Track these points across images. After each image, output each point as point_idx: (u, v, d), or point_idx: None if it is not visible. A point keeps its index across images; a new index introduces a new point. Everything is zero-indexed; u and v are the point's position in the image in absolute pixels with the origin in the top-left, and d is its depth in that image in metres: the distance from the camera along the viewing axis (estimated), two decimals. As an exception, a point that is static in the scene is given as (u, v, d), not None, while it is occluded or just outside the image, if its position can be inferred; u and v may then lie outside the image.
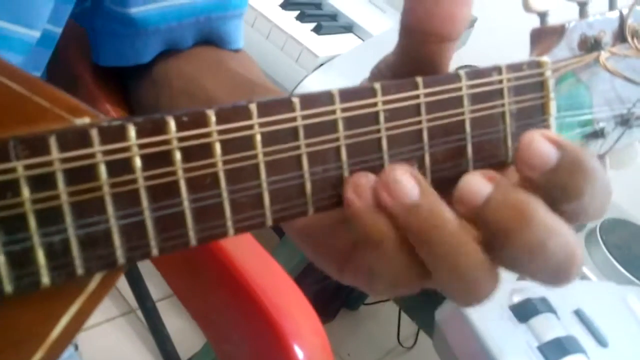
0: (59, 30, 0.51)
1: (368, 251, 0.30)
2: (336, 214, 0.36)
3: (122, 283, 1.67)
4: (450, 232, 0.29)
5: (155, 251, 0.27)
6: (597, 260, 1.06)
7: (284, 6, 1.22)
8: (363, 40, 1.26)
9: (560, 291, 0.84)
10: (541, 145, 0.31)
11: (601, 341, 0.79)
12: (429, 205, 0.29)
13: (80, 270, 0.25)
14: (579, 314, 0.82)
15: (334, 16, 1.29)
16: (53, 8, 0.48)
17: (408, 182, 0.29)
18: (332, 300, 1.88)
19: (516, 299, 0.82)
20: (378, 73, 0.36)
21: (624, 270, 1.03)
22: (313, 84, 1.11)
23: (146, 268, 1.64)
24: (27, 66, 0.50)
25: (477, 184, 0.30)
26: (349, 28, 1.28)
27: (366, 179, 0.30)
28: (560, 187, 0.30)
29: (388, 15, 1.34)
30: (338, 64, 1.15)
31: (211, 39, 0.63)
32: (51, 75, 0.59)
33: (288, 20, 1.18)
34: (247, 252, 0.58)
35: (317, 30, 1.18)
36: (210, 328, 0.65)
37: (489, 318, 0.79)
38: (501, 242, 0.29)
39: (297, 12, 1.20)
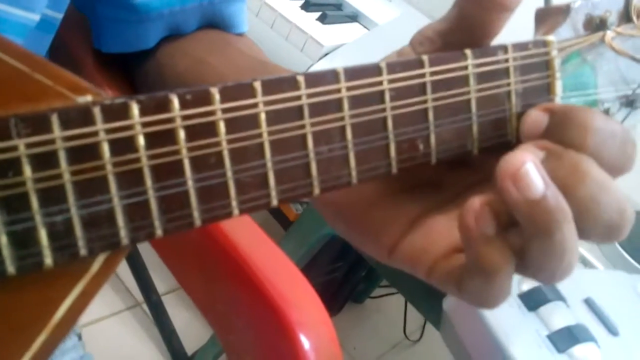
0: (59, 15, 0.51)
1: (477, 276, 0.30)
2: (381, 188, 0.36)
3: (128, 276, 1.67)
4: (569, 219, 0.29)
5: (159, 232, 0.27)
6: (605, 250, 1.05)
7: (289, -5, 1.22)
8: (368, 29, 1.26)
9: (570, 279, 0.83)
10: (532, 113, 0.33)
11: (612, 330, 0.78)
12: (554, 198, 0.29)
13: (83, 251, 0.25)
14: (589, 302, 0.82)
15: (339, 5, 1.29)
16: None
17: (534, 175, 0.29)
18: (338, 293, 1.88)
19: (525, 287, 0.82)
20: (425, 40, 0.35)
21: (632, 260, 1.02)
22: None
23: (152, 261, 1.64)
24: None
25: (532, 149, 0.31)
26: (354, 17, 1.27)
27: (481, 199, 0.30)
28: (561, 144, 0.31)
29: (394, 5, 1.34)
30: (343, 53, 1.14)
31: (215, 22, 0.62)
32: (52, 60, 0.59)
33: (293, 9, 1.17)
34: (253, 242, 0.58)
35: (322, 19, 1.17)
36: (216, 318, 0.65)
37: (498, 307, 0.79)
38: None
39: (302, 1, 1.20)
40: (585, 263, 1.02)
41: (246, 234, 0.58)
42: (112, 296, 1.72)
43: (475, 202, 0.30)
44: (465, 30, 0.34)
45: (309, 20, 1.16)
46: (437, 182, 0.36)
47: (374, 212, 0.36)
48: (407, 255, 0.35)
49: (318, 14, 1.18)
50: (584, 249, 1.03)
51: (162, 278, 1.66)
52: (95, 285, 0.26)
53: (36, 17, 0.46)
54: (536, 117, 0.33)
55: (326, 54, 1.13)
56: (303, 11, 1.18)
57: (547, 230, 0.29)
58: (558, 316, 0.78)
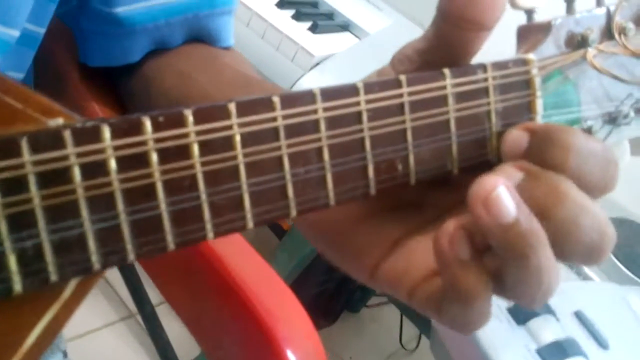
0: (41, 30, 0.51)
1: (454, 301, 0.30)
2: (363, 208, 0.36)
3: (122, 287, 1.67)
4: (544, 243, 0.29)
5: (131, 256, 0.26)
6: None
7: (280, 5, 1.21)
8: (360, 38, 1.26)
9: (560, 292, 0.83)
10: (512, 133, 0.33)
11: (602, 343, 0.78)
12: (528, 222, 0.29)
13: (54, 277, 0.25)
14: (579, 315, 0.81)
15: (330, 15, 1.29)
16: (33, 7, 0.47)
17: (506, 199, 0.28)
18: (333, 302, 1.88)
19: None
20: (405, 59, 0.35)
21: (627, 270, 1.02)
22: (309, 83, 1.10)
23: (145, 272, 1.63)
24: (8, 66, 0.49)
25: (509, 170, 0.30)
26: (345, 27, 1.27)
27: (456, 222, 0.30)
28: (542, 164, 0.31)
29: (385, 14, 1.34)
30: (334, 63, 1.14)
31: (201, 36, 0.62)
32: (38, 76, 0.59)
33: (284, 19, 1.17)
34: (239, 257, 0.57)
35: (313, 29, 1.17)
36: (203, 334, 0.64)
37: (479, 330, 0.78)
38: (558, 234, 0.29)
39: (292, 11, 1.20)
40: (580, 274, 1.01)
41: (233, 248, 0.58)
42: (106, 307, 1.71)
43: (450, 225, 0.29)
44: (444, 49, 0.33)
45: (300, 30, 1.16)
46: (419, 202, 0.36)
47: (355, 233, 0.36)
48: (388, 277, 0.34)
49: (309, 23, 1.18)
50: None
51: (155, 289, 1.65)
52: (66, 311, 0.26)
53: (16, 33, 0.46)
54: (517, 137, 0.32)
55: (317, 64, 1.13)
56: (294, 21, 1.18)
57: (521, 255, 0.28)
58: (547, 330, 0.78)
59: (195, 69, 0.57)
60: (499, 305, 0.81)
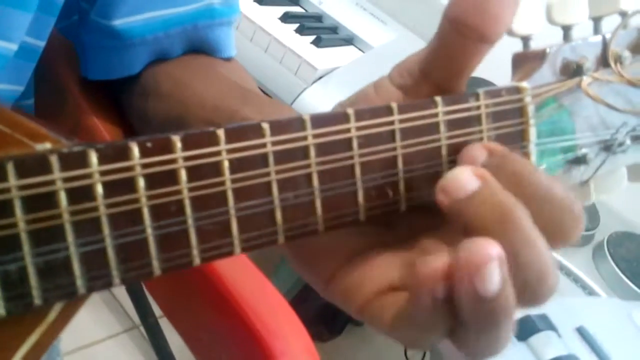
0: (41, 43, 0.51)
1: (413, 327, 0.30)
2: None
3: (125, 299, 1.67)
4: (511, 315, 0.28)
5: (117, 281, 0.26)
6: (605, 274, 1.04)
7: (284, 19, 1.21)
8: (363, 52, 1.26)
9: (562, 308, 0.82)
10: (471, 148, 0.32)
11: None
12: (506, 299, 0.27)
13: (38, 301, 0.25)
14: (581, 331, 0.81)
15: (334, 29, 1.29)
16: (33, 20, 0.47)
17: (495, 274, 0.27)
18: (338, 315, 1.87)
19: (515, 316, 0.81)
20: (404, 71, 0.35)
21: (632, 285, 1.02)
22: (312, 96, 1.10)
23: (148, 283, 1.63)
24: (7, 79, 0.49)
25: (466, 177, 0.29)
26: (349, 40, 1.27)
27: (445, 260, 0.28)
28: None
29: (389, 27, 1.34)
30: (338, 77, 1.14)
31: (200, 47, 0.62)
32: (38, 89, 0.59)
33: (287, 33, 1.17)
34: (237, 271, 0.57)
35: (317, 42, 1.17)
36: (201, 349, 0.64)
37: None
38: None
39: (296, 25, 1.20)
40: (585, 288, 1.01)
41: (230, 262, 0.58)
42: (109, 319, 1.71)
43: (438, 261, 0.28)
44: (444, 60, 0.33)
45: (304, 44, 1.16)
46: (388, 220, 0.35)
47: (315, 240, 0.35)
48: (342, 288, 0.33)
49: (313, 37, 1.18)
50: (583, 273, 1.02)
51: (158, 301, 1.65)
52: (50, 335, 0.26)
53: (13, 47, 0.46)
54: (474, 152, 0.31)
55: (320, 77, 1.13)
56: (298, 35, 1.18)
57: (485, 328, 0.28)
58: (549, 346, 0.77)
59: (193, 78, 0.57)
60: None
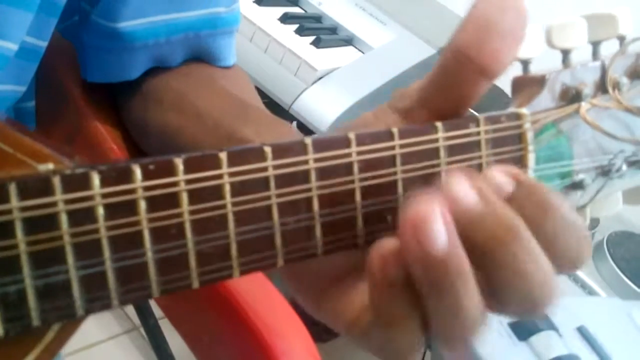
0: (43, 44, 0.51)
1: (378, 325, 0.30)
2: None
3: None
4: (466, 280, 0.28)
5: (115, 302, 0.26)
6: (605, 274, 1.05)
7: (283, 20, 1.21)
8: (363, 53, 1.26)
9: (563, 308, 0.83)
10: (497, 176, 0.31)
11: (605, 359, 0.78)
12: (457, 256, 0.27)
13: (36, 322, 0.25)
14: (582, 331, 0.81)
15: (334, 29, 1.29)
16: (34, 20, 0.47)
17: (438, 226, 0.27)
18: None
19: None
20: (406, 96, 0.35)
21: (632, 284, 1.02)
22: (312, 97, 1.10)
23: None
24: (8, 79, 0.49)
25: (463, 189, 0.29)
26: (348, 41, 1.27)
27: (391, 242, 0.28)
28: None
29: (388, 28, 1.33)
30: (337, 77, 1.14)
31: (201, 56, 0.62)
32: (39, 91, 0.59)
33: (287, 34, 1.17)
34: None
35: (317, 43, 1.17)
36: (202, 349, 0.64)
37: (488, 336, 0.78)
38: (481, 260, 0.28)
39: (296, 26, 1.20)
40: (585, 287, 1.01)
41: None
42: (110, 320, 1.71)
43: (384, 244, 0.28)
44: (443, 88, 0.33)
45: (303, 45, 1.16)
46: None
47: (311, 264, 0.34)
48: (331, 308, 0.33)
49: (312, 38, 1.18)
50: (583, 273, 1.02)
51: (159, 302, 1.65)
52: (48, 355, 0.26)
53: (14, 46, 0.46)
54: (500, 180, 0.31)
55: (320, 78, 1.13)
56: (297, 36, 1.18)
57: (443, 294, 0.28)
58: (550, 346, 0.78)
59: (194, 90, 0.57)
60: (500, 320, 0.80)
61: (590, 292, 1.00)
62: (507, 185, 0.31)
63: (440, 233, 0.27)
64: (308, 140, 0.29)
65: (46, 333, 0.26)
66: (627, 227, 1.18)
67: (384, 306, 0.29)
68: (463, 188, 0.28)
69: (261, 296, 0.57)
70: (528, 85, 0.35)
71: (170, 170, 0.26)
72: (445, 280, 0.27)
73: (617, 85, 0.35)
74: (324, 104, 1.09)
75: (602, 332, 0.81)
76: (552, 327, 0.79)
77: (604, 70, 0.36)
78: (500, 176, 0.31)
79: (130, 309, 1.68)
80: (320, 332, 0.54)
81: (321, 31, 1.24)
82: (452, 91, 0.33)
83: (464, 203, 0.28)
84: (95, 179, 0.25)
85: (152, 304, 1.59)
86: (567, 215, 0.30)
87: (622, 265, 1.05)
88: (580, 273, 1.02)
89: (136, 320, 1.68)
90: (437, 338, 0.30)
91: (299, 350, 0.55)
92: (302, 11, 1.33)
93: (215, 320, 0.59)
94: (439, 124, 0.31)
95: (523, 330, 0.79)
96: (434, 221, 0.27)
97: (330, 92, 1.11)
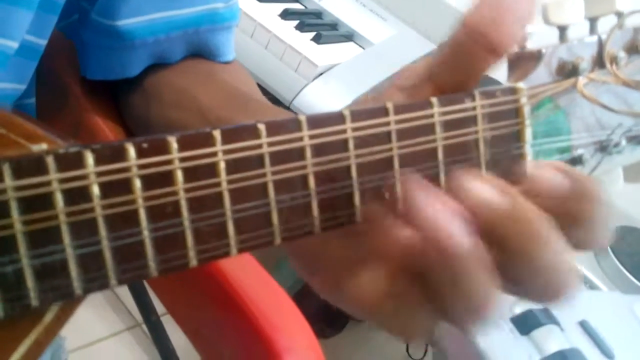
0: (42, 42, 0.51)
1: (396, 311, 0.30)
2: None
3: (127, 297, 1.67)
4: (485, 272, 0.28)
5: (113, 282, 0.26)
6: (607, 269, 1.04)
7: (284, 16, 1.21)
8: (364, 48, 1.25)
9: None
10: (552, 175, 0.31)
11: (607, 353, 0.77)
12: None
13: (35, 302, 0.25)
14: (583, 325, 0.81)
15: (334, 25, 1.29)
16: (34, 19, 0.47)
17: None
18: (339, 311, 1.86)
19: (517, 310, 0.81)
20: (413, 74, 0.35)
21: (634, 278, 1.02)
22: (312, 93, 1.10)
23: (150, 281, 1.63)
24: (8, 77, 0.50)
25: (488, 191, 0.29)
26: (349, 37, 1.27)
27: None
28: (571, 215, 0.30)
29: (389, 24, 1.33)
30: (338, 73, 1.14)
31: (201, 51, 0.62)
32: (40, 88, 0.59)
33: (287, 30, 1.17)
34: (239, 266, 0.57)
35: (317, 39, 1.17)
36: (203, 344, 0.64)
37: (489, 330, 0.78)
38: (510, 260, 0.29)
39: (296, 22, 1.20)
40: (586, 282, 1.01)
41: (233, 258, 0.58)
42: (112, 317, 1.71)
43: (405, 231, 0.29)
44: (452, 64, 0.33)
45: (304, 41, 1.16)
46: None
47: (314, 243, 0.34)
48: (346, 295, 0.34)
49: (313, 34, 1.18)
50: (585, 267, 1.02)
51: (160, 298, 1.66)
52: (48, 335, 0.26)
53: (14, 45, 0.46)
54: (555, 179, 0.31)
55: (321, 74, 1.13)
56: (298, 32, 1.18)
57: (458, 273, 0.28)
58: (551, 340, 0.77)
59: (195, 86, 0.57)
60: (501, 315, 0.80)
61: (592, 286, 1.00)
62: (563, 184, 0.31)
63: (462, 231, 0.27)
64: (302, 117, 0.29)
65: (45, 314, 0.26)
66: (629, 221, 1.18)
67: (399, 292, 0.29)
68: (485, 187, 0.29)
69: (264, 292, 0.57)
70: (524, 60, 0.35)
71: (164, 149, 0.26)
72: (464, 273, 0.28)
73: (614, 60, 0.35)
74: (325, 100, 1.09)
75: (604, 326, 0.81)
76: (553, 321, 0.79)
77: (601, 45, 0.35)
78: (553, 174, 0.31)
79: (132, 306, 1.68)
80: (323, 329, 0.54)
81: (322, 27, 1.24)
82: (460, 67, 0.33)
83: (489, 202, 0.29)
84: (89, 158, 0.25)
85: (154, 300, 1.60)
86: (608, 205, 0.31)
87: (623, 259, 1.04)
88: (581, 267, 1.01)
89: (138, 316, 1.68)
90: (452, 320, 0.30)
91: (302, 347, 0.55)
92: (303, 7, 1.33)
93: (218, 317, 0.59)
94: (434, 99, 0.31)
95: (525, 325, 0.79)
96: (455, 221, 0.28)
97: (331, 88, 1.11)
